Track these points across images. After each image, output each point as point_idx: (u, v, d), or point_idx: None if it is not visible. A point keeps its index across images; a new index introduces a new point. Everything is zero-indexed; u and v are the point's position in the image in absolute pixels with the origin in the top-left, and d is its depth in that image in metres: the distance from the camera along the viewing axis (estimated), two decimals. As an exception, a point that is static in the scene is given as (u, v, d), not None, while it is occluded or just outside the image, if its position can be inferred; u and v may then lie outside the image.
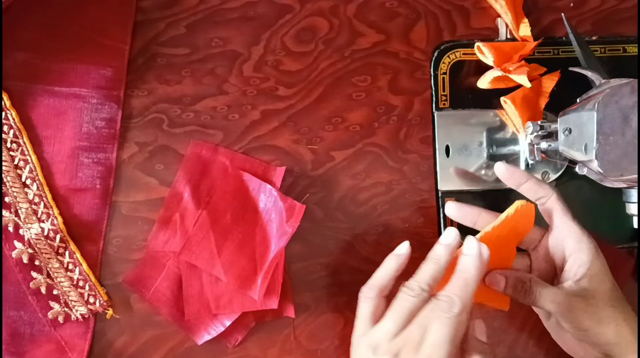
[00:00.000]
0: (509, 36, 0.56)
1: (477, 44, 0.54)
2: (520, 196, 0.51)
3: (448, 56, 0.55)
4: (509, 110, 0.54)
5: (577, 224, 0.50)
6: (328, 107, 0.55)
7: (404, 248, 0.48)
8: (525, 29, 0.55)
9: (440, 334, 0.42)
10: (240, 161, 0.54)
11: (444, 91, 0.56)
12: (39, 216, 0.51)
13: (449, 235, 0.46)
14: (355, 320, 0.47)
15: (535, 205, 0.50)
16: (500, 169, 0.51)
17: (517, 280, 0.49)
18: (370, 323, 0.46)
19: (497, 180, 0.53)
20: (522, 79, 0.51)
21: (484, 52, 0.53)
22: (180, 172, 0.53)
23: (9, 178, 0.51)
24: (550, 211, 0.50)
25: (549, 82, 0.55)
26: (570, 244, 0.49)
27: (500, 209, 0.50)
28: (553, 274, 0.51)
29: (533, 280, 0.49)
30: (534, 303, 0.48)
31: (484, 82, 0.54)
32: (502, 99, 0.54)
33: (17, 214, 0.51)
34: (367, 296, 0.47)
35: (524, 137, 0.55)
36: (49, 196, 0.51)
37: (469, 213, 0.52)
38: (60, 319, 0.52)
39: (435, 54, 0.56)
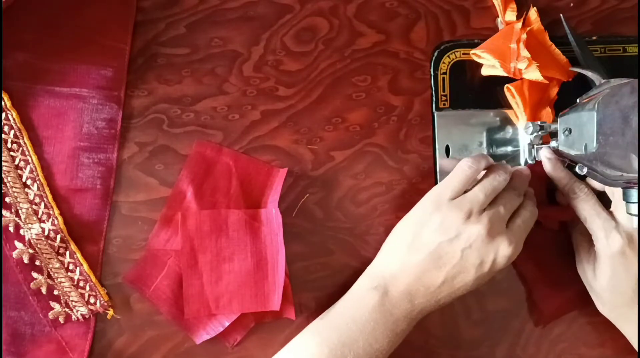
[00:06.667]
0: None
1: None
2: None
3: (448, 56, 0.55)
4: (512, 101, 0.54)
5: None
6: (328, 107, 0.55)
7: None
8: (510, 15, 0.54)
9: (526, 219, 0.50)
10: (244, 162, 0.54)
11: (444, 91, 0.56)
12: (39, 216, 0.51)
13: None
14: (443, 183, 0.49)
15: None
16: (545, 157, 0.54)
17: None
18: (459, 191, 0.49)
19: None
20: (536, 77, 0.51)
21: (483, 57, 0.53)
22: (184, 171, 0.53)
23: (9, 179, 0.51)
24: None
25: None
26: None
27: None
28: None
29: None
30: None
31: (487, 71, 0.54)
32: (505, 87, 0.53)
33: (17, 215, 0.51)
34: (471, 166, 0.50)
35: (523, 134, 0.54)
36: (50, 196, 0.51)
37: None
38: (61, 319, 0.52)
39: (435, 54, 0.55)
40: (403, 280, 0.48)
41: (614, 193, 0.52)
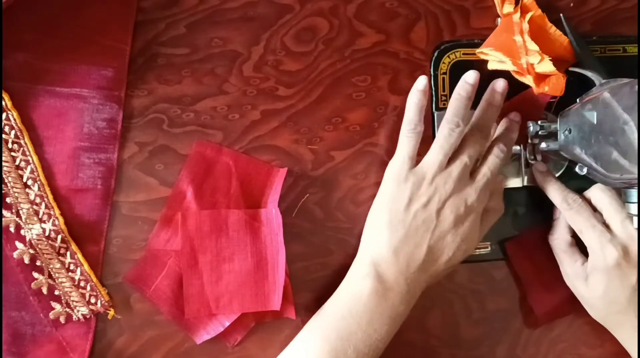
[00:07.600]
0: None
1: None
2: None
3: (448, 56, 0.55)
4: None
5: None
6: (328, 107, 0.55)
7: (422, 82, 0.51)
8: (508, 7, 0.54)
9: (492, 165, 0.51)
10: (244, 162, 0.54)
11: (444, 91, 0.56)
12: (40, 216, 0.51)
13: (470, 75, 0.51)
14: (396, 158, 0.50)
15: None
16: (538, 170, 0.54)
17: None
18: (414, 158, 0.50)
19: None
20: (550, 69, 0.50)
21: (492, 55, 0.52)
22: (184, 171, 0.53)
23: (10, 179, 0.51)
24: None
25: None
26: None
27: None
28: None
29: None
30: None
31: (494, 66, 0.54)
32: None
33: (18, 215, 0.51)
34: (412, 131, 0.50)
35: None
36: (50, 196, 0.51)
37: None
38: (62, 319, 0.52)
39: (435, 54, 0.55)
40: (392, 260, 0.48)
41: (602, 208, 0.52)
